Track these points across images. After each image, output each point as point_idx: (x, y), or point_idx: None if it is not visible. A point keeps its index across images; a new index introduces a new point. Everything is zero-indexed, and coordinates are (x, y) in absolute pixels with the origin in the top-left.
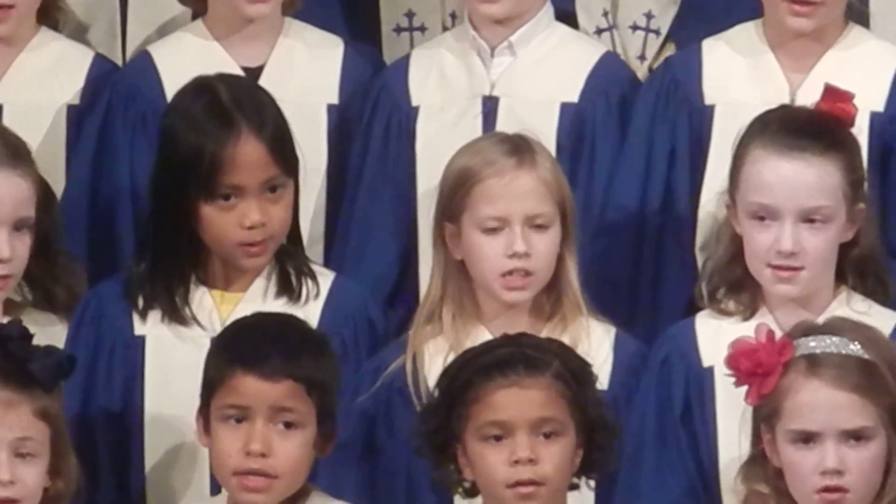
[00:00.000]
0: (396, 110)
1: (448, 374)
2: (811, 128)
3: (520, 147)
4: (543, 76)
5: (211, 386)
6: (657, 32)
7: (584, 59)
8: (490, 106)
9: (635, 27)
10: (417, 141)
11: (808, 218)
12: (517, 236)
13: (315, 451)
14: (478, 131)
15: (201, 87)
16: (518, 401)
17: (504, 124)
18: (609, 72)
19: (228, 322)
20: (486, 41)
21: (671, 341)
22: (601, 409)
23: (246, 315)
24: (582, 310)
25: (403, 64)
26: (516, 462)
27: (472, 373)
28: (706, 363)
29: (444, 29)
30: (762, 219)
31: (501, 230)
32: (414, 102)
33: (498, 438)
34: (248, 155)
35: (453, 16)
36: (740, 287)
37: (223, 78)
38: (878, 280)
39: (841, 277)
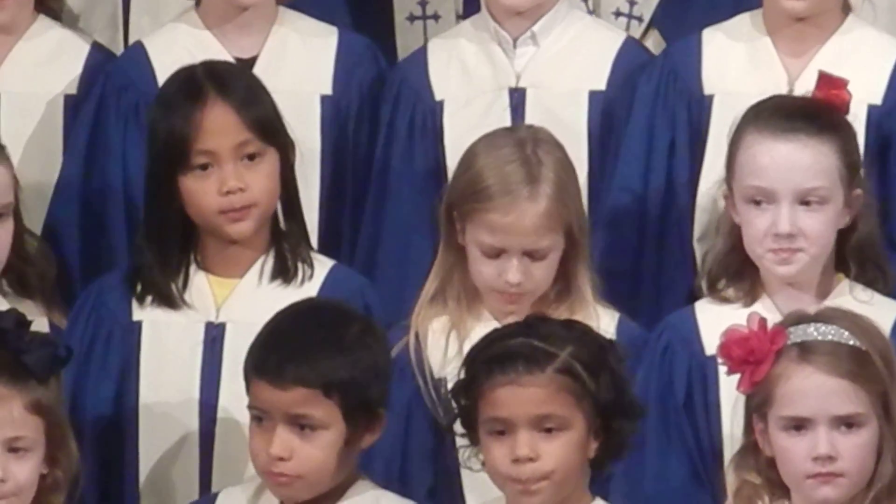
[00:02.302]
0: (420, 105)
1: (466, 360)
2: (805, 111)
3: (532, 174)
4: (569, 65)
5: (245, 384)
6: (640, 19)
7: (607, 45)
8: (518, 98)
9: (618, 13)
10: (446, 136)
11: (804, 200)
12: (513, 266)
13: (351, 446)
14: (506, 123)
15: (180, 72)
16: (516, 398)
17: (532, 116)
18: (633, 57)
19: (223, 307)
20: (507, 32)
21: (672, 329)
22: (619, 394)
23: (284, 308)
24: (588, 300)
25: (422, 57)
26: (516, 460)
27: (478, 366)
28: (708, 351)
29: (458, 17)
30: (759, 203)
31: (499, 255)
32: (437, 97)
33: (501, 433)
34: (217, 118)
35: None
36: (740, 275)
37: (204, 62)
38: (879, 269)
39: (842, 267)
